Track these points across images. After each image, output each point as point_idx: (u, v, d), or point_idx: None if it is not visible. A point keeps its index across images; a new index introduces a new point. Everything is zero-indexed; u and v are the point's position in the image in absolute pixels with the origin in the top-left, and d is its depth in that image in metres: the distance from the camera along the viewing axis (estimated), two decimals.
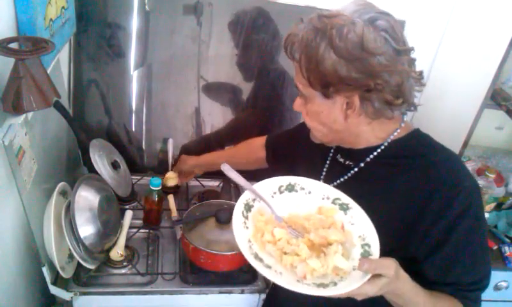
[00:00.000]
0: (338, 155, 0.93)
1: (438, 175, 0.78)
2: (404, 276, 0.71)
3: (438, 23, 1.57)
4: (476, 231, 0.79)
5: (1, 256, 0.90)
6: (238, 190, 1.54)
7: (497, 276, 1.59)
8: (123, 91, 1.49)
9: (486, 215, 1.73)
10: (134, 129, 1.56)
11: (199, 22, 1.41)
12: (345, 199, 0.82)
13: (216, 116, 1.61)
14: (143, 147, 1.59)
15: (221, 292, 1.19)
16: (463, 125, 1.65)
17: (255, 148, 1.29)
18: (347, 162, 0.90)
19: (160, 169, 1.57)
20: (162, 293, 1.15)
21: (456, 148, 1.69)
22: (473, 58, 1.58)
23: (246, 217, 0.79)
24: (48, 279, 1.03)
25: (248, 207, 0.81)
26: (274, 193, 0.85)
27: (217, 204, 1.27)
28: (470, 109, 1.62)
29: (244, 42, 1.47)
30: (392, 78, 0.73)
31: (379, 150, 0.84)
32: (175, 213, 1.39)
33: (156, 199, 1.29)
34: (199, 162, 1.44)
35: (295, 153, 1.08)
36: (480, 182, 1.69)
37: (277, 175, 0.86)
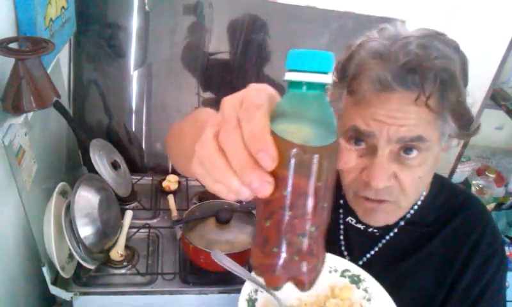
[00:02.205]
0: (349, 217, 0.79)
1: (476, 234, 0.75)
2: None
3: (437, 23, 1.57)
4: (504, 279, 0.78)
5: (1, 256, 0.90)
6: None
7: None
8: (123, 91, 1.49)
9: None
10: (134, 129, 1.56)
11: (199, 21, 1.41)
12: (356, 270, 0.73)
13: None
14: (143, 147, 1.59)
15: (221, 292, 1.18)
16: None
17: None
18: (369, 230, 0.77)
19: (160, 170, 1.57)
20: (162, 293, 1.15)
21: (455, 148, 1.68)
22: (473, 58, 1.57)
23: None
24: (48, 279, 1.03)
25: (252, 303, 0.67)
26: None
27: (217, 204, 1.26)
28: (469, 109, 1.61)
29: (243, 43, 1.47)
30: None
31: (408, 215, 0.76)
32: (175, 213, 1.39)
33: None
34: None
35: None
36: (480, 182, 1.69)
37: None
